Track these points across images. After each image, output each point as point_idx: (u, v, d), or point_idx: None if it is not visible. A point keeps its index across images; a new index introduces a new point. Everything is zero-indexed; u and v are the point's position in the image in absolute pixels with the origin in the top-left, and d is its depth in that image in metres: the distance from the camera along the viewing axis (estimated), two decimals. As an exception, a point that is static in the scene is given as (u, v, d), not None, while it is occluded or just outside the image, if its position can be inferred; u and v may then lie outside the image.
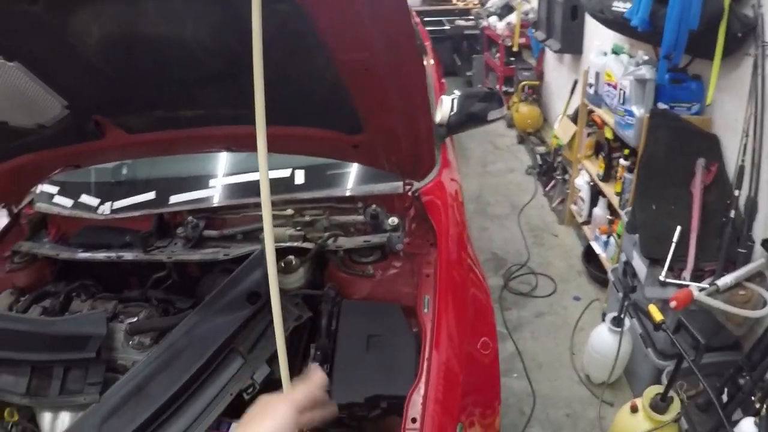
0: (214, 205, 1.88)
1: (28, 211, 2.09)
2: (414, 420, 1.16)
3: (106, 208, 1.93)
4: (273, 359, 1.38)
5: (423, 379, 1.23)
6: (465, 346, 1.42)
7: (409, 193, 1.74)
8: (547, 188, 4.67)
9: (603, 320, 2.62)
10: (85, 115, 1.44)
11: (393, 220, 1.71)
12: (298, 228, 1.78)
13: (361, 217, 1.77)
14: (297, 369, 1.45)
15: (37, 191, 2.10)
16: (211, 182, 1.92)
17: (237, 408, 1.27)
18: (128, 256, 1.69)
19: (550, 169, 4.69)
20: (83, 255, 1.73)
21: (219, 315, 1.40)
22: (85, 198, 2.00)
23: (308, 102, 1.34)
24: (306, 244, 1.66)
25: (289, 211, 1.83)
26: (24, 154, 1.57)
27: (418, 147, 1.45)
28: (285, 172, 1.89)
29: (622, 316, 2.47)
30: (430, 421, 1.16)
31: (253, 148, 0.84)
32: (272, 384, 1.35)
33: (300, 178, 1.87)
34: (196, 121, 1.46)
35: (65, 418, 1.36)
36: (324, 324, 1.48)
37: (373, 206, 1.72)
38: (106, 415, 1.26)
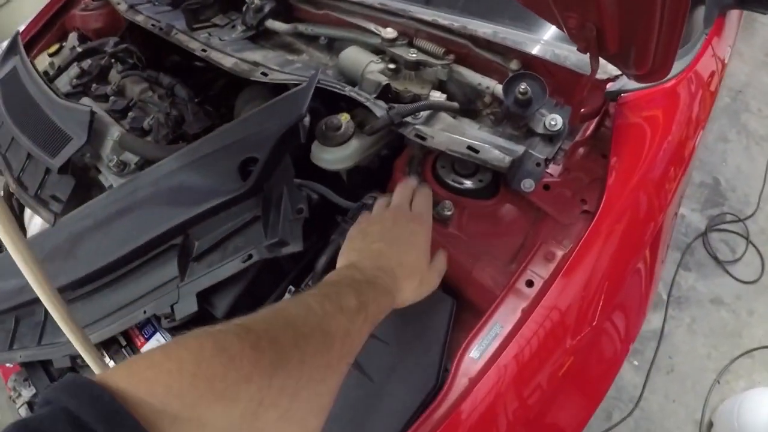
0: None
1: None
2: None
3: None
4: (217, 291, 0.87)
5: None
6: None
7: (606, 88, 0.87)
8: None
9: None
10: None
11: (554, 120, 0.88)
12: (390, 67, 1.01)
13: (500, 87, 0.94)
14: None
15: None
16: None
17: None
18: (175, 29, 1.29)
19: None
20: (131, 14, 1.42)
21: (205, 171, 0.93)
22: None
23: None
24: (377, 106, 0.91)
25: (390, 32, 1.04)
26: None
27: (644, 35, 0.56)
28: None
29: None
30: None
31: None
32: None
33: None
34: None
35: (38, 221, 1.22)
36: (322, 264, 0.83)
37: (523, 85, 0.87)
38: (50, 253, 1.04)
